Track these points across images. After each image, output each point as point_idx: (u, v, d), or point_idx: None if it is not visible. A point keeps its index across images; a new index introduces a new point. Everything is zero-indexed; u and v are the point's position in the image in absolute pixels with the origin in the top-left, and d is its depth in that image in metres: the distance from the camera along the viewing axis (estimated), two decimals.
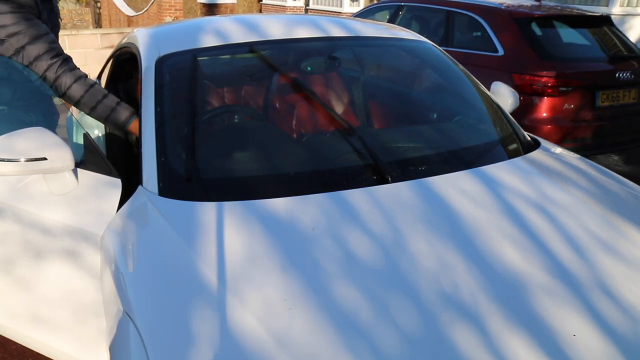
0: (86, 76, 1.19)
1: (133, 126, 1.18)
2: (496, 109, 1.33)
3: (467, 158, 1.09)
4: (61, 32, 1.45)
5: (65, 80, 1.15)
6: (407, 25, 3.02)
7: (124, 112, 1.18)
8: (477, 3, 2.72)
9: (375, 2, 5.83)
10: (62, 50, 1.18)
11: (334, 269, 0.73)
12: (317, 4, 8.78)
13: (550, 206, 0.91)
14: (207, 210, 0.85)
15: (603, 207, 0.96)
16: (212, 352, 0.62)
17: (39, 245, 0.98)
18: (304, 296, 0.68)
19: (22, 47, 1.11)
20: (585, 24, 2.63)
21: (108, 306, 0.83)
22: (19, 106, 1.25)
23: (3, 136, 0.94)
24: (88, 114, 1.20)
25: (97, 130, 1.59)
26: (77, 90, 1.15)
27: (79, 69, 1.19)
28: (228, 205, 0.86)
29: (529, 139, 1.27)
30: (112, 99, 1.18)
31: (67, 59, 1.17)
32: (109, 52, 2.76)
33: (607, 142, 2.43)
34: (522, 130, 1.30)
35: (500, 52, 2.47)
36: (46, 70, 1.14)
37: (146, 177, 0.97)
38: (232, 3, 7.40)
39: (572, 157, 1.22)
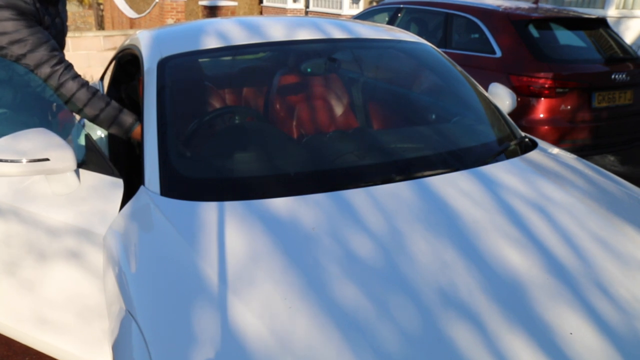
0: (88, 84, 1.19)
1: (136, 132, 1.18)
2: (494, 109, 1.35)
3: (465, 158, 1.10)
4: None
5: (68, 88, 1.15)
6: (406, 27, 3.04)
7: (127, 118, 1.18)
8: (475, 5, 2.74)
9: (375, 4, 5.86)
10: (64, 58, 1.18)
11: (334, 268, 0.74)
12: (317, 6, 8.81)
13: (547, 205, 0.92)
14: (209, 210, 0.86)
15: (599, 206, 0.97)
16: (213, 351, 0.62)
17: (42, 245, 0.99)
18: (305, 295, 0.69)
19: (24, 55, 1.11)
20: (581, 26, 2.66)
21: (110, 305, 0.83)
22: (21, 109, 1.25)
23: (5, 137, 0.94)
24: (91, 121, 1.20)
25: (99, 130, 1.60)
26: (80, 99, 1.16)
27: (80, 76, 1.19)
28: (229, 205, 0.87)
29: (527, 139, 1.28)
30: (115, 106, 1.19)
31: (69, 66, 1.17)
32: (111, 54, 2.75)
33: (603, 142, 2.45)
34: (520, 131, 1.31)
35: (498, 53, 2.49)
36: (48, 77, 1.14)
37: (148, 177, 0.97)
38: (233, 5, 7.43)
39: (569, 157, 1.23)
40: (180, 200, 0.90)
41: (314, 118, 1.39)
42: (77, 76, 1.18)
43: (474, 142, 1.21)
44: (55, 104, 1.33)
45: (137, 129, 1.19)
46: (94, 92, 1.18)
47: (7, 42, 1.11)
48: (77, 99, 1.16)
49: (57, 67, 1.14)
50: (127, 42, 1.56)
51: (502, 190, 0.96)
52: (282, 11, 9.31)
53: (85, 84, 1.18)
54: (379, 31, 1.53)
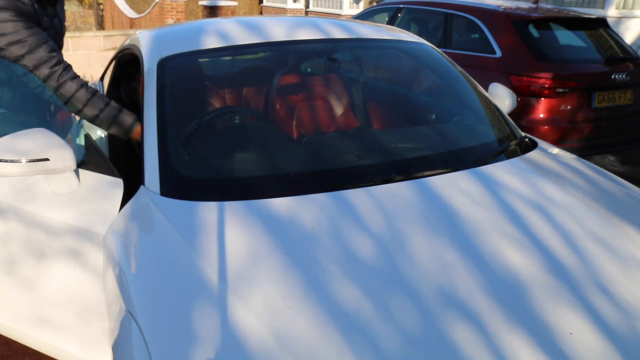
0: (87, 84, 1.19)
1: (136, 132, 1.19)
2: (494, 109, 1.35)
3: (465, 158, 1.10)
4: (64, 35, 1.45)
5: (67, 89, 1.15)
6: (406, 27, 3.04)
7: (127, 118, 1.18)
8: (475, 5, 2.74)
9: (375, 4, 5.87)
10: (63, 58, 1.18)
11: (334, 268, 0.74)
12: (317, 5, 8.81)
13: (547, 205, 0.92)
14: (209, 210, 0.86)
15: (599, 206, 0.97)
16: (213, 351, 0.62)
17: (42, 245, 0.99)
18: (305, 295, 0.69)
19: (22, 56, 1.11)
20: (581, 26, 2.65)
21: (110, 305, 0.83)
22: (20, 109, 1.25)
23: (5, 137, 0.94)
24: (91, 122, 1.20)
25: (99, 130, 1.60)
26: (79, 99, 1.16)
27: (79, 77, 1.20)
28: (229, 205, 0.87)
29: (527, 139, 1.28)
30: (115, 107, 1.19)
31: (68, 67, 1.17)
32: (111, 54, 2.75)
33: (603, 142, 2.45)
34: (520, 131, 1.31)
35: (498, 53, 2.49)
36: (47, 78, 1.14)
37: (148, 177, 0.97)
38: (233, 5, 7.43)
39: (569, 157, 1.23)
40: (180, 200, 0.90)
41: (314, 118, 1.39)
42: (76, 77, 1.18)
43: (474, 142, 1.21)
44: (53, 105, 1.33)
45: (137, 128, 1.19)
46: (93, 92, 1.18)
47: (5, 43, 1.11)
48: (77, 99, 1.16)
49: (56, 68, 1.15)
50: (127, 42, 1.56)
51: (502, 190, 0.96)
52: (282, 11, 9.31)
53: (84, 84, 1.18)
54: (379, 31, 1.53)
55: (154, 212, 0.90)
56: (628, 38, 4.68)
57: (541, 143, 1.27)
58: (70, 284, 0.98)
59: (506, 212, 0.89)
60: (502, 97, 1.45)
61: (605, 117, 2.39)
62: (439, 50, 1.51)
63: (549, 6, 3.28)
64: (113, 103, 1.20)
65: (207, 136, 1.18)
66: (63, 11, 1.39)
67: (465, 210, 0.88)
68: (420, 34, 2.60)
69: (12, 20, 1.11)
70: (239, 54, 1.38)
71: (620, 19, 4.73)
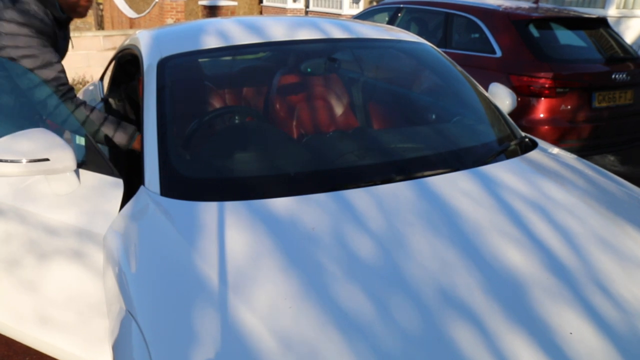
0: (85, 103, 1.24)
1: (136, 144, 1.21)
2: (494, 109, 1.35)
3: (465, 158, 1.10)
4: None
5: (68, 107, 1.19)
6: (406, 27, 3.04)
7: (126, 131, 1.21)
8: (475, 5, 2.74)
9: (375, 4, 5.87)
10: (67, 81, 1.24)
11: (335, 268, 0.74)
12: (317, 5, 8.81)
13: (547, 205, 0.92)
14: (209, 210, 0.86)
15: (599, 206, 0.97)
16: (213, 351, 0.62)
17: (42, 245, 0.99)
18: (305, 295, 0.69)
19: (32, 70, 1.16)
20: (581, 25, 2.66)
21: (110, 305, 0.83)
22: (17, 117, 1.27)
23: (5, 137, 0.94)
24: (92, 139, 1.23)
25: None
26: (79, 117, 1.20)
27: (79, 97, 1.25)
28: (230, 205, 0.87)
29: (527, 139, 1.28)
30: (113, 121, 1.22)
31: (71, 89, 1.23)
32: (111, 54, 2.75)
33: (603, 142, 2.45)
34: (520, 131, 1.32)
35: (498, 53, 2.49)
36: (49, 96, 1.18)
37: (148, 177, 0.98)
38: (233, 5, 7.42)
39: (569, 157, 1.23)
40: (181, 200, 0.90)
41: (314, 118, 1.40)
42: (74, 97, 1.23)
43: (474, 142, 1.21)
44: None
45: (137, 140, 1.21)
46: (91, 109, 1.22)
47: (19, 55, 1.15)
48: (76, 117, 1.20)
49: (61, 88, 1.19)
50: (127, 42, 1.56)
51: (502, 190, 0.96)
52: (282, 11, 9.31)
53: (82, 103, 1.23)
54: (379, 31, 1.53)
55: (154, 212, 0.90)
56: (628, 38, 4.68)
57: (541, 143, 1.27)
58: (70, 284, 0.98)
59: (506, 212, 0.89)
60: (502, 97, 1.45)
61: (605, 117, 2.39)
62: (439, 50, 1.51)
63: (549, 6, 3.28)
64: (111, 117, 1.23)
65: (207, 136, 1.18)
66: (69, 29, 1.42)
67: (465, 210, 0.88)
68: (420, 34, 2.60)
69: (30, 36, 1.15)
70: (239, 54, 1.38)
71: (620, 19, 4.73)
